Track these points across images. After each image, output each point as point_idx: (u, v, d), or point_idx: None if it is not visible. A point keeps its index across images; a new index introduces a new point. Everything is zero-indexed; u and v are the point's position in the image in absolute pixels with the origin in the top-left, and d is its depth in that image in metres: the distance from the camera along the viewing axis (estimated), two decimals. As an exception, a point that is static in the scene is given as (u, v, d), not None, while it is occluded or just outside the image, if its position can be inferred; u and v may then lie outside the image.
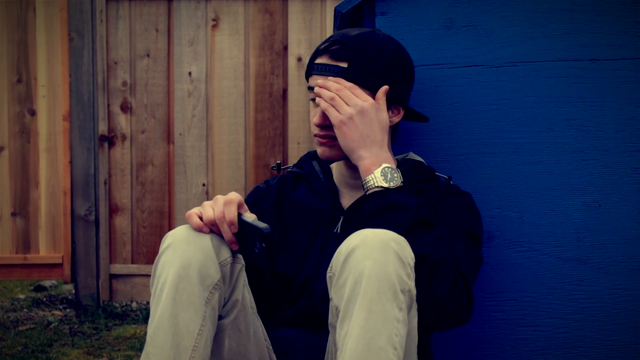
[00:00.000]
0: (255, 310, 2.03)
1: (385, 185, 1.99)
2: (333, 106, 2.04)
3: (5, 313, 5.25)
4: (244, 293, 1.98)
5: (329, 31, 4.88)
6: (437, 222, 2.08)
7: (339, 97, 2.04)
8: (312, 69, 2.12)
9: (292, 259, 2.17)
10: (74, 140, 4.99)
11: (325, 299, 2.08)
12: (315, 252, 2.15)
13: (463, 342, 2.36)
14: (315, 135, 2.14)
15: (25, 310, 5.37)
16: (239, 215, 1.90)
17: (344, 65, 2.07)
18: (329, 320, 1.89)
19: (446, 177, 2.24)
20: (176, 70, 5.01)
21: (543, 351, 2.35)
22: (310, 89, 2.12)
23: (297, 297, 2.14)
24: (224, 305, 1.93)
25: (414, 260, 1.81)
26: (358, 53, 2.07)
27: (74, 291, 5.32)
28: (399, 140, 2.36)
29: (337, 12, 2.42)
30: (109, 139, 5.02)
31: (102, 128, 5.01)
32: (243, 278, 1.97)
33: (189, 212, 1.92)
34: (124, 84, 5.02)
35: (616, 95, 2.33)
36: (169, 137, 5.03)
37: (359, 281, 1.75)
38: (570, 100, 2.34)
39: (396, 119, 2.16)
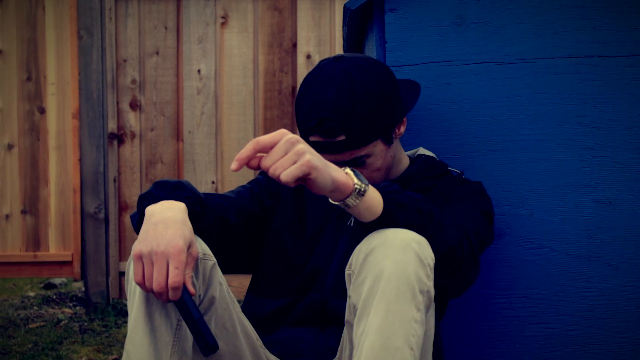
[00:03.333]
0: (239, 309, 2.01)
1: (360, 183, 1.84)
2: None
3: (15, 311, 5.26)
4: (222, 291, 1.95)
5: (338, 28, 4.87)
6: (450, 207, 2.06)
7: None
8: (311, 146, 2.08)
9: (302, 247, 2.16)
10: (83, 138, 4.99)
11: (336, 292, 2.08)
12: (327, 243, 2.15)
13: (474, 340, 2.36)
14: None
15: (35, 307, 5.38)
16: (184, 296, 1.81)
17: (342, 138, 2.03)
18: (346, 318, 1.89)
19: (458, 171, 2.23)
20: (185, 67, 5.01)
21: (553, 348, 2.34)
22: None
23: (305, 288, 2.13)
24: (199, 303, 1.91)
25: (434, 261, 1.80)
26: (348, 120, 2.01)
27: (83, 289, 5.33)
28: (409, 136, 2.36)
29: (347, 10, 2.42)
30: (119, 137, 5.02)
31: (112, 126, 5.01)
32: (217, 276, 1.94)
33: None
34: (133, 81, 5.02)
35: (627, 92, 2.33)
36: (178, 135, 5.02)
37: (378, 280, 1.74)
38: (581, 97, 2.33)
39: (403, 128, 2.16)
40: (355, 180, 1.76)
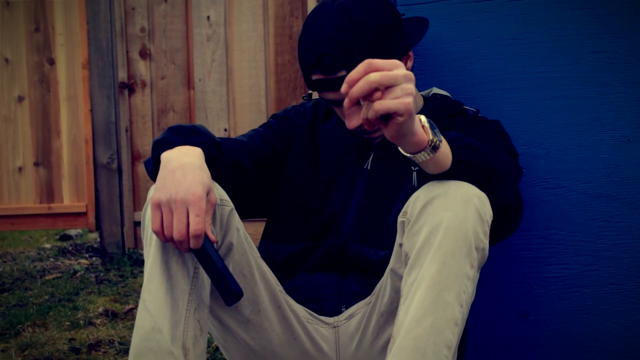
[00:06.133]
0: (257, 254, 2.00)
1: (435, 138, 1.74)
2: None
3: (31, 263, 5.28)
4: (239, 237, 1.93)
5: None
6: None
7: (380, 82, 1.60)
8: (313, 86, 2.04)
9: (317, 191, 2.14)
10: (93, 89, 4.96)
11: (354, 237, 2.06)
12: (344, 187, 2.12)
13: (490, 282, 2.34)
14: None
15: (51, 259, 5.40)
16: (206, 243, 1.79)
17: (343, 74, 1.97)
18: (391, 266, 1.86)
19: (474, 110, 2.19)
20: (194, 14, 4.96)
21: (572, 289, 2.31)
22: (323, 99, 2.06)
23: (322, 233, 2.10)
24: (218, 249, 1.89)
25: (492, 219, 1.77)
26: (347, 54, 1.96)
27: (99, 239, 5.34)
28: (421, 76, 2.32)
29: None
30: (129, 86, 4.98)
31: (122, 75, 4.97)
32: (235, 221, 1.91)
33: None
34: (142, 30, 4.98)
35: (644, 26, 2.28)
36: (189, 83, 4.99)
37: (435, 231, 1.71)
38: (597, 32, 2.28)
39: (410, 64, 2.11)
40: (431, 134, 1.67)
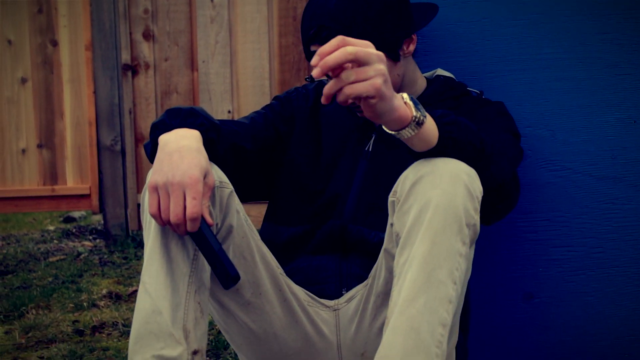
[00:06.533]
0: (258, 237, 1.99)
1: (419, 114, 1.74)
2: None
3: (35, 244, 5.28)
4: (239, 219, 1.92)
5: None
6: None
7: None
8: (311, 57, 2.02)
9: (319, 173, 2.13)
10: (97, 70, 4.94)
11: (355, 219, 2.05)
12: (345, 169, 2.11)
13: (495, 264, 2.33)
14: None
15: (55, 241, 5.40)
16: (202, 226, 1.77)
17: None
18: (384, 246, 1.86)
19: (478, 91, 2.18)
20: (198, -5, 4.94)
21: (577, 272, 2.30)
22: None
23: (324, 215, 2.09)
24: (217, 232, 1.88)
25: (482, 194, 1.76)
26: (347, 29, 1.95)
27: (102, 221, 5.33)
28: (426, 58, 2.30)
29: None
30: (133, 68, 4.97)
31: (125, 57, 4.95)
32: (235, 203, 1.90)
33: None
34: (146, 11, 4.95)
35: (652, 6, 2.26)
36: (192, 64, 4.97)
37: (424, 210, 1.70)
38: (604, 13, 2.26)
39: (413, 47, 2.10)
40: (414, 111, 1.67)
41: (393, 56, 2.04)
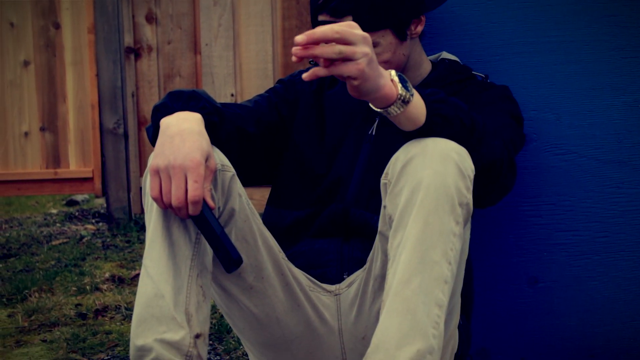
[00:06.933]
0: (260, 221, 1.98)
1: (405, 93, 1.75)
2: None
3: (38, 228, 5.28)
4: (241, 203, 1.91)
5: None
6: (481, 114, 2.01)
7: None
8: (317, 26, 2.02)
9: (322, 157, 2.12)
10: (99, 53, 4.93)
11: (358, 202, 2.04)
12: (349, 153, 2.10)
13: (500, 248, 2.32)
14: None
15: (58, 224, 5.40)
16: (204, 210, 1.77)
17: (349, 19, 1.96)
18: (379, 228, 1.84)
19: (483, 75, 2.17)
20: (201, -22, 4.92)
21: (582, 256, 2.29)
22: None
23: (326, 198, 2.08)
24: (219, 216, 1.87)
25: (474, 173, 1.75)
26: (356, 2, 1.97)
27: (105, 205, 5.33)
28: (431, 40, 2.29)
29: None
30: (135, 51, 4.95)
31: (128, 40, 4.93)
32: (237, 187, 1.90)
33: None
34: (148, -6, 4.93)
35: (659, -11, 2.24)
36: (195, 48, 4.95)
37: (416, 191, 1.69)
38: (610, -5, 2.25)
39: (420, 28, 2.09)
40: (400, 88, 1.68)
41: (400, 35, 2.03)
